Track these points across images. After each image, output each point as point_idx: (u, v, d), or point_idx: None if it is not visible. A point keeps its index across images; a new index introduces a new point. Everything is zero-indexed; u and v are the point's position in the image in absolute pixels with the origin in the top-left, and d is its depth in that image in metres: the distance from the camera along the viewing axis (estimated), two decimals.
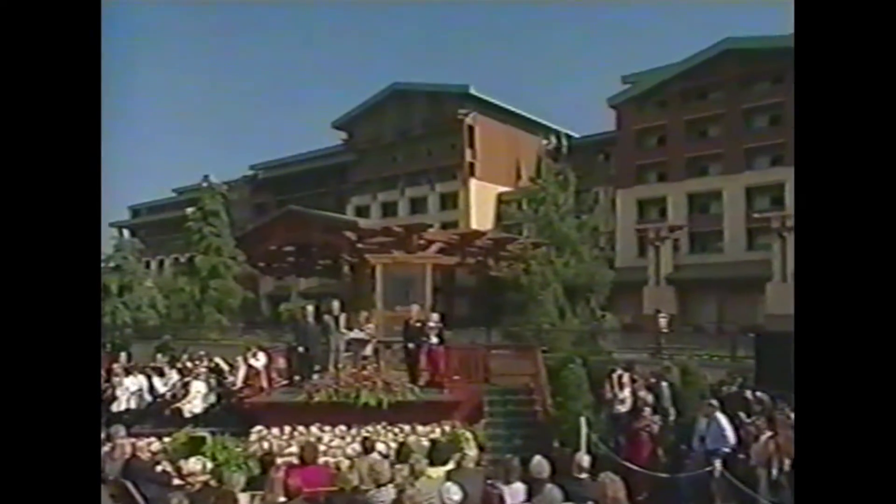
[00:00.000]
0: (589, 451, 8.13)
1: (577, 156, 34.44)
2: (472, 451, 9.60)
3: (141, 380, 13.70)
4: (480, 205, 47.40)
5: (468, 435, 10.79)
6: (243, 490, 6.27)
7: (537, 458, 6.44)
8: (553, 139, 33.56)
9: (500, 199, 47.48)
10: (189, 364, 15.08)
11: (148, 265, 59.60)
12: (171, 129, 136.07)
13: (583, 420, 9.87)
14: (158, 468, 8.10)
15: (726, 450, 8.61)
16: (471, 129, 48.62)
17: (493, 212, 47.54)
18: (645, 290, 38.35)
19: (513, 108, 50.66)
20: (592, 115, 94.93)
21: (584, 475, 6.42)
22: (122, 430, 7.89)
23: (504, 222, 43.28)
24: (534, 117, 50.89)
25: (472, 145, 48.64)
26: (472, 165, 48.49)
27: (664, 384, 11.37)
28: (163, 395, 13.56)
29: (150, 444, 10.00)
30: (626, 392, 10.97)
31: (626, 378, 11.19)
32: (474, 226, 41.32)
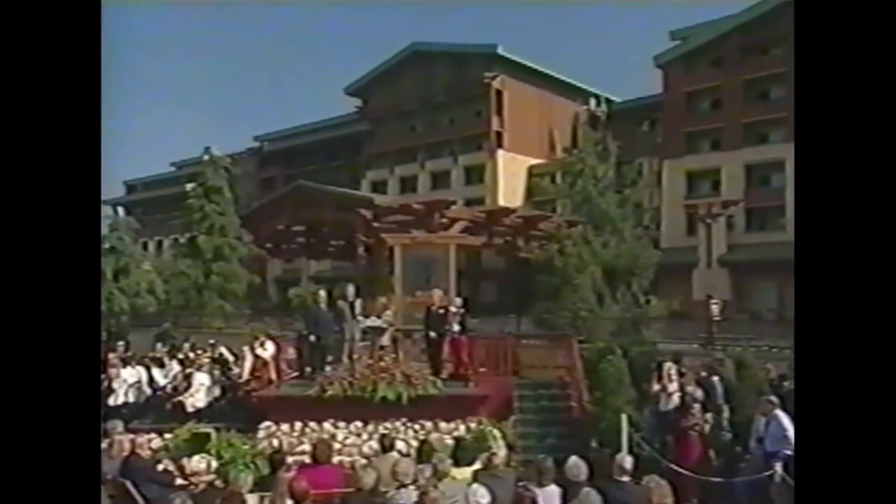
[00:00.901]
0: (631, 452, 8.10)
1: (618, 123, 33.98)
2: (500, 451, 9.58)
3: (140, 371, 13.99)
4: (509, 178, 47.15)
5: (496, 433, 10.83)
6: (251, 491, 6.37)
7: (573, 458, 6.43)
8: (591, 104, 33.13)
9: (532, 173, 47.19)
10: (191, 354, 15.35)
11: (145, 246, 60.73)
12: (170, 98, 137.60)
13: (624, 417, 9.82)
14: (160, 467, 8.28)
15: (788, 452, 8.45)
16: (498, 93, 48.22)
17: (524, 186, 47.29)
18: (695, 273, 37.93)
19: (545, 70, 50.05)
20: (636, 76, 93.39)
21: (625, 478, 6.38)
22: (119, 426, 8.05)
23: (535, 198, 43.01)
24: (569, 80, 50.26)
25: (499, 112, 48.28)
26: (499, 135, 48.17)
27: (716, 378, 11.26)
28: (163, 388, 13.84)
29: (150, 440, 10.23)
30: (674, 387, 10.88)
31: (672, 371, 11.09)
32: (502, 202, 41.16)
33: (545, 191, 37.00)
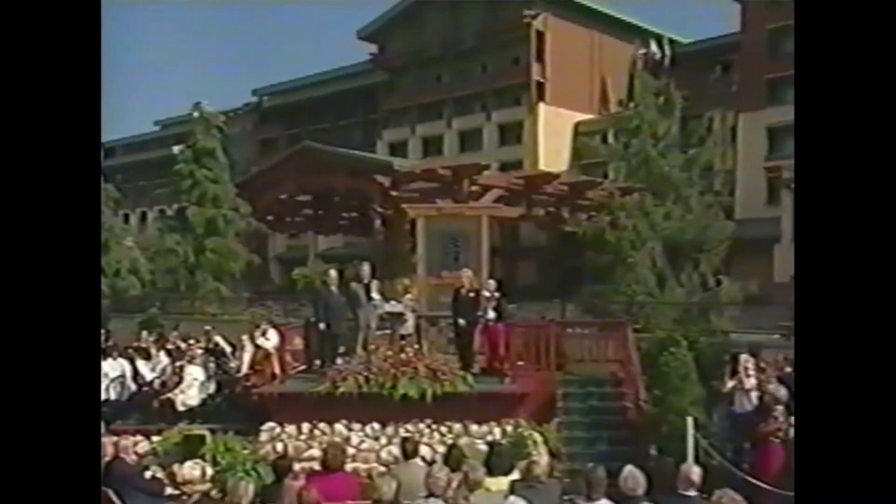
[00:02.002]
0: (698, 462, 8.09)
1: (684, 68, 33.39)
2: (542, 458, 9.66)
3: (122, 364, 14.26)
4: (552, 138, 46.74)
5: (537, 437, 10.87)
6: (252, 502, 6.46)
7: (629, 468, 6.40)
8: (651, 47, 32.57)
9: (579, 131, 46.69)
10: (182, 344, 15.59)
11: (127, 219, 61.73)
12: (153, 45, 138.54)
13: (690, 421, 9.76)
14: (147, 474, 8.47)
15: None
16: (540, 36, 47.62)
17: (569, 147, 46.87)
18: (776, 249, 37.26)
19: (596, 6, 49.27)
20: (707, 11, 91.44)
21: (692, 492, 6.35)
22: (101, 427, 8.21)
23: (583, 161, 42.63)
24: (625, 18, 49.42)
25: (541, 58, 47.72)
26: (540, 86, 47.67)
27: None
28: (150, 383, 14.10)
29: (135, 443, 10.46)
30: (751, 384, 10.79)
31: (750, 366, 10.99)
32: (543, 166, 40.88)
33: (595, 152, 36.62)
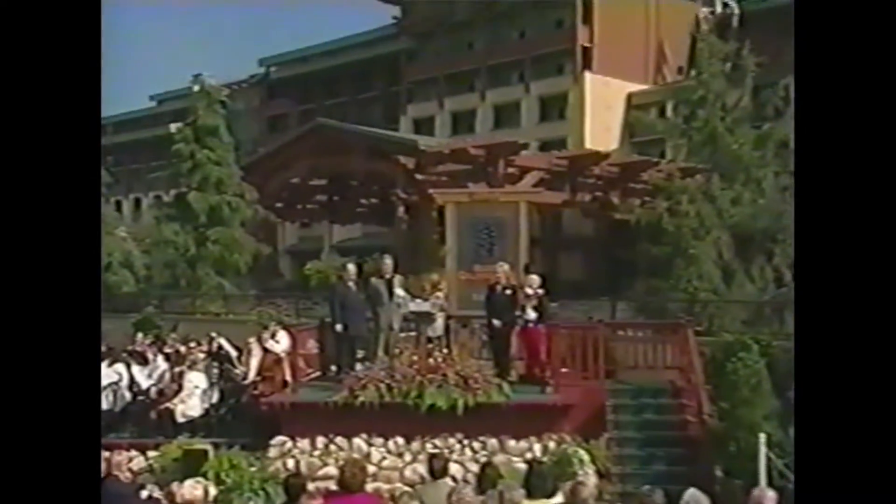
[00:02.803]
0: (771, 485, 8.02)
1: (756, 29, 32.92)
2: (589, 479, 9.60)
3: (116, 370, 14.42)
4: (601, 112, 46.42)
5: (583, 455, 10.85)
6: None
7: (691, 491, 6.34)
8: (717, 4, 32.16)
9: (632, 103, 46.30)
10: (181, 348, 15.74)
11: (119, 206, 62.48)
12: (149, 10, 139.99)
13: (762, 437, 9.68)
14: (143, 493, 8.54)
15: None
16: None
17: (621, 122, 46.50)
18: None
19: None
20: None
21: None
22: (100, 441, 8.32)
23: (637, 138, 42.28)
24: None
25: (588, 21, 47.38)
26: (587, 52, 47.34)
27: None
28: (146, 392, 14.27)
29: (130, 459, 10.55)
30: None
31: None
32: (590, 145, 40.61)
33: (651, 128, 36.36)
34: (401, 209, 30.86)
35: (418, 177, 29.10)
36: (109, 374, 14.27)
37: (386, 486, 10.75)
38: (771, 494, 6.51)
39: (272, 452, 11.58)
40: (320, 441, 11.63)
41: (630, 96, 46.86)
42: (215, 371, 14.13)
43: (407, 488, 10.44)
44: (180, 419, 13.21)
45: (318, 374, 13.49)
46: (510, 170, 27.85)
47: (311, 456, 11.52)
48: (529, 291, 12.56)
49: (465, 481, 9.52)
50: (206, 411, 13.50)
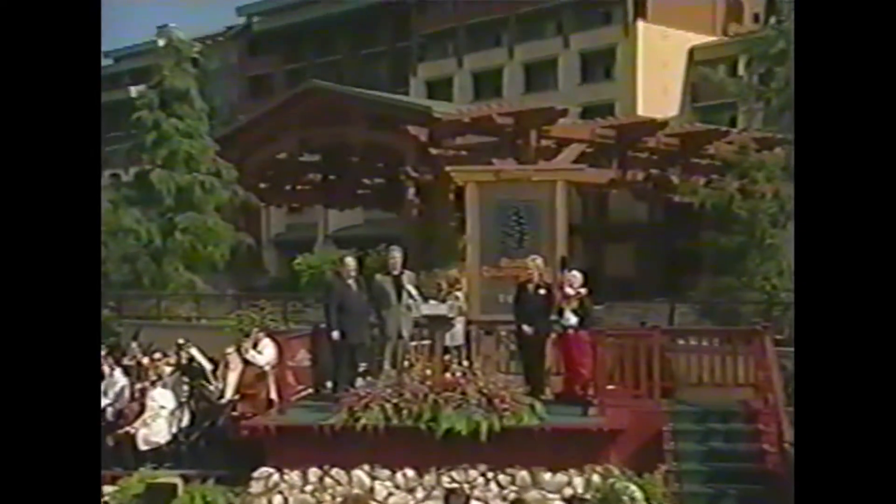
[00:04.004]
0: None
1: None
2: None
3: None
4: (655, 70, 46.22)
5: (635, 491, 10.83)
6: None
7: None
8: None
9: (695, 59, 46.08)
10: (145, 360, 15.81)
11: None
12: None
13: None
14: None
15: None
16: None
17: (681, 83, 46.29)
18: None
19: None
20: None
21: None
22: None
23: (701, 102, 42.06)
24: None
25: None
26: None
27: None
28: (102, 412, 14.34)
29: None
30: None
31: None
32: (643, 111, 40.46)
33: (719, 89, 36.09)
34: (411, 191, 30.77)
35: (432, 151, 29.04)
36: None
37: None
38: None
39: (255, 487, 11.60)
40: (313, 473, 11.64)
41: (693, 51, 46.63)
42: (185, 388, 14.19)
43: None
44: (143, 446, 13.27)
45: (310, 391, 13.51)
46: (545, 142, 27.77)
47: (303, 491, 11.53)
48: (569, 291, 12.55)
49: None
50: (174, 437, 13.57)
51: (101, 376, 13.78)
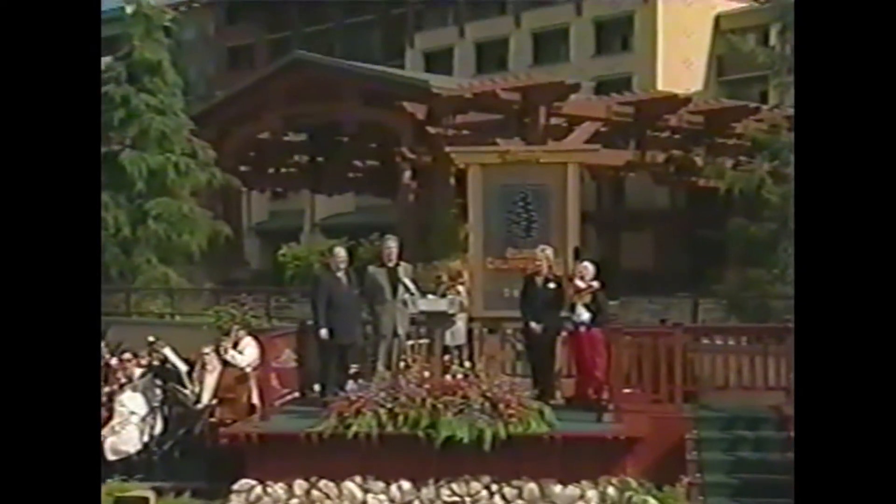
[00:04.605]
0: None
1: None
2: None
3: None
4: (677, 39, 46.17)
5: None
6: None
7: None
8: None
9: (721, 27, 46.03)
10: (113, 361, 15.79)
11: None
12: None
13: None
14: None
15: None
16: None
17: (706, 53, 46.25)
18: None
19: None
20: None
21: None
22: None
23: (728, 75, 42.00)
24: None
25: None
26: None
27: None
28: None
29: None
30: None
31: None
32: (664, 85, 40.40)
33: (749, 61, 35.97)
34: (407, 174, 30.81)
35: (430, 130, 29.07)
36: None
37: None
38: None
39: (235, 501, 11.61)
40: (299, 486, 11.63)
41: (719, 18, 46.58)
42: (158, 391, 14.18)
43: None
44: (111, 456, 13.27)
45: (296, 395, 13.51)
46: (555, 120, 27.78)
47: None
48: (581, 284, 12.54)
49: None
50: (146, 445, 13.56)
51: (101, 380, 13.72)
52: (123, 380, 14.27)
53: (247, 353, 13.54)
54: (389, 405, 11.57)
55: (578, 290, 12.49)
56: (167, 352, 15.03)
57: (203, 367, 14.12)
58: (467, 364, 12.33)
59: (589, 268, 12.77)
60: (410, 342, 12.90)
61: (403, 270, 12.92)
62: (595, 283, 12.59)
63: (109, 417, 13.66)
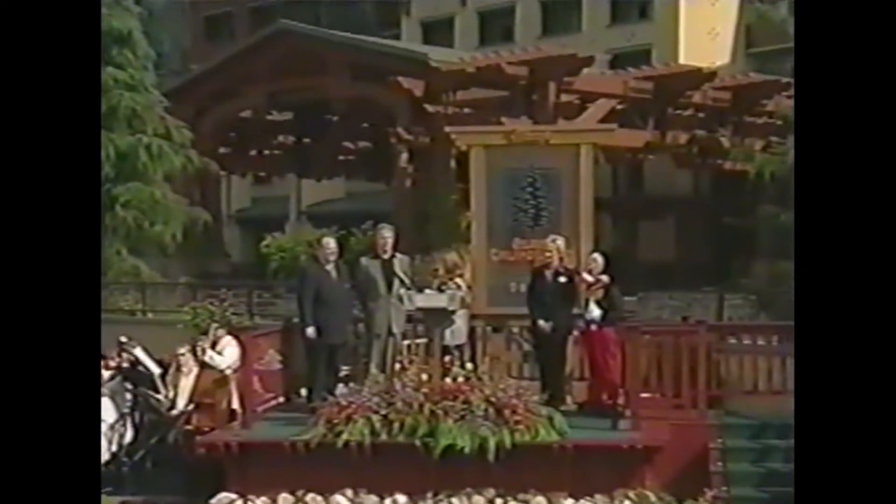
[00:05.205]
0: None
1: None
2: None
3: None
4: (703, 8, 46.15)
5: None
6: None
7: None
8: None
9: None
10: None
11: None
12: None
13: None
14: None
15: None
16: None
17: (734, 24, 46.22)
18: None
19: None
20: None
21: None
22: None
23: (757, 48, 41.97)
24: None
25: None
26: None
27: None
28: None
29: None
30: None
31: None
32: (686, 58, 40.36)
33: (780, 32, 36.04)
34: (403, 156, 30.76)
35: (429, 108, 29.03)
36: None
37: None
38: None
39: None
40: (284, 499, 11.67)
41: None
42: (128, 396, 14.21)
43: None
44: None
45: (280, 400, 13.53)
46: (566, 97, 27.76)
47: None
48: (588, 278, 12.57)
49: None
50: (115, 456, 13.61)
51: (99, 386, 13.77)
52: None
53: (226, 354, 13.57)
54: (383, 411, 11.60)
55: (591, 285, 12.51)
56: (138, 352, 15.08)
57: (178, 369, 14.15)
58: (469, 366, 12.35)
59: (598, 260, 12.78)
60: (407, 342, 12.94)
61: (399, 263, 12.94)
62: (604, 277, 12.58)
63: None
